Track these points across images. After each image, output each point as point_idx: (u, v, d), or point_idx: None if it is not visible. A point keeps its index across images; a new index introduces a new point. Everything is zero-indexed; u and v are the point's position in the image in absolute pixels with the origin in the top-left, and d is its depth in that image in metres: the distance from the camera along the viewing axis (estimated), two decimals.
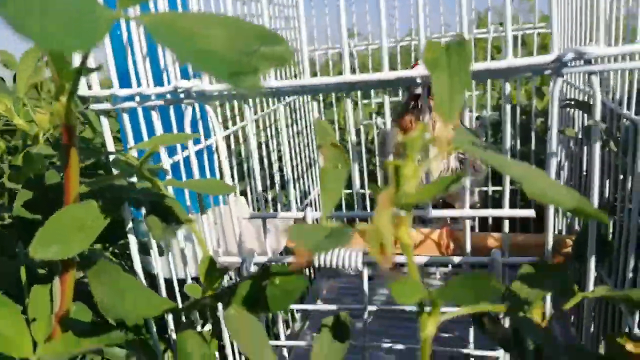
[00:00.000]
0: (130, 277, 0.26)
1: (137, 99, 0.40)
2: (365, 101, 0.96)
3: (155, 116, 0.40)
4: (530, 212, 0.35)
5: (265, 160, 0.76)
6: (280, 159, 0.84)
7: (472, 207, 0.81)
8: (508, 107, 0.33)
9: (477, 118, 0.88)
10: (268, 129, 0.82)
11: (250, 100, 0.41)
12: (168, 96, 0.39)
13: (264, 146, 0.75)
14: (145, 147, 0.34)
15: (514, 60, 0.31)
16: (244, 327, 0.26)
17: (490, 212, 0.37)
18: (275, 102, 0.81)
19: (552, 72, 0.32)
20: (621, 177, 0.50)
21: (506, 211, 0.35)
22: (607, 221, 0.20)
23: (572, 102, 0.57)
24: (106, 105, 0.40)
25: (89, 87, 0.40)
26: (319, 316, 0.83)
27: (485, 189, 0.87)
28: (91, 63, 0.35)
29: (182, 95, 0.38)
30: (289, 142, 0.84)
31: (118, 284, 0.25)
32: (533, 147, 0.83)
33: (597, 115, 0.32)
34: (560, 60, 0.31)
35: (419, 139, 0.22)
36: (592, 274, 0.33)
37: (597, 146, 0.33)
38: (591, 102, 0.37)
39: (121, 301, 0.24)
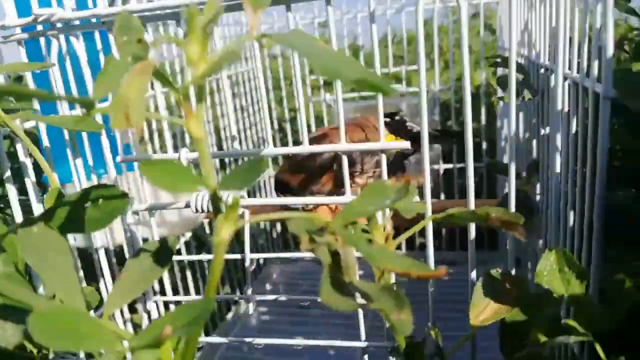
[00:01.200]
0: None
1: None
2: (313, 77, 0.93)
3: (22, 52, 0.37)
4: (406, 144, 0.32)
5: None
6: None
7: (420, 185, 0.78)
8: (374, 28, 0.31)
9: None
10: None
11: None
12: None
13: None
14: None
15: None
16: (43, 245, 0.23)
17: (357, 147, 0.34)
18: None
19: None
20: (542, 132, 0.48)
21: (380, 144, 0.33)
22: (390, 92, 0.17)
23: (500, 61, 0.55)
24: None
25: None
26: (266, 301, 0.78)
27: (436, 167, 0.84)
28: None
29: (44, 26, 0.36)
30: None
31: None
32: (483, 122, 0.82)
33: (465, 29, 0.29)
34: None
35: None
36: (472, 191, 0.31)
37: (467, 77, 0.30)
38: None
39: None
